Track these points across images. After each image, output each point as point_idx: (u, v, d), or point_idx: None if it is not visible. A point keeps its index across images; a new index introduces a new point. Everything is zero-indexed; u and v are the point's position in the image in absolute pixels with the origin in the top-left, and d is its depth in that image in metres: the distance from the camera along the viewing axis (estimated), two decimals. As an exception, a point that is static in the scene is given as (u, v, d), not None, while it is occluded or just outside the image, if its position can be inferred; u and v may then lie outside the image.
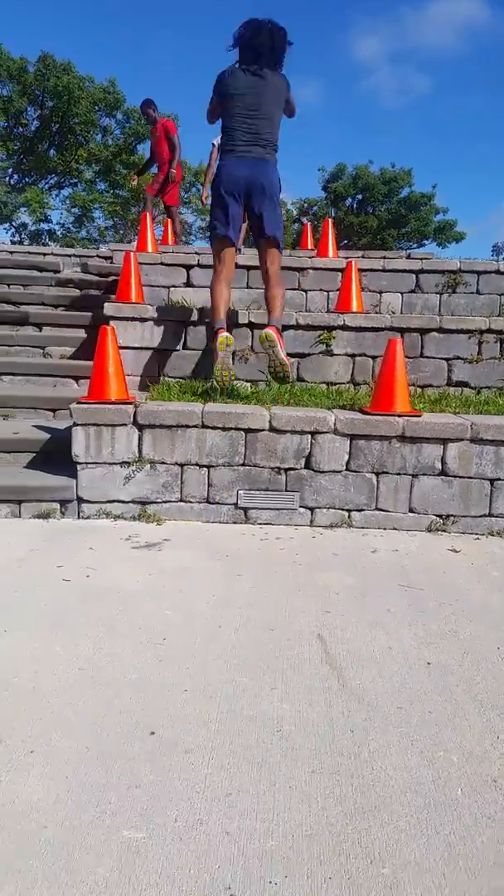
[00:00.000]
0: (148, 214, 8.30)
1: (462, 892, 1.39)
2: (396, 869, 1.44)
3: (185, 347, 5.16)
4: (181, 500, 3.87)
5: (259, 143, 4.61)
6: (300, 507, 3.89)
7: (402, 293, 6.81)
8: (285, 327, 5.07)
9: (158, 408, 3.87)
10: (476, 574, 3.26)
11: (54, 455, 4.10)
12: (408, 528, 3.87)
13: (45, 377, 5.45)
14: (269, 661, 2.31)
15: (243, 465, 3.87)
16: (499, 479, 3.87)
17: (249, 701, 2.06)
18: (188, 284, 6.70)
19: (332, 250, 7.82)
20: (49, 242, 28.09)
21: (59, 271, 7.76)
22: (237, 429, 3.85)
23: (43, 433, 4.27)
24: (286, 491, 3.89)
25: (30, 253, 8.92)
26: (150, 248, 7.56)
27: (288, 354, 5.03)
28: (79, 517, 3.81)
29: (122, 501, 3.84)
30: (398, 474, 3.88)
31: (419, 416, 3.95)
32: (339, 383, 5.15)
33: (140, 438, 3.84)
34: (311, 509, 3.89)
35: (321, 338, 5.14)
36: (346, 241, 29.37)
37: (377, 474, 3.89)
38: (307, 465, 3.88)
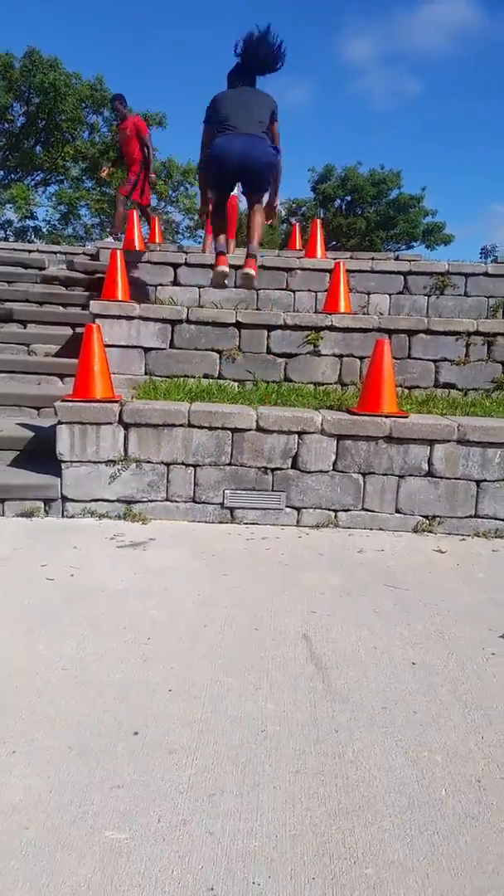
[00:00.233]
0: (134, 213, 8.27)
1: (445, 891, 1.39)
2: (380, 869, 1.43)
3: (171, 346, 5.14)
4: (167, 500, 3.86)
5: (252, 127, 4.84)
6: (286, 506, 3.88)
7: (390, 294, 6.83)
8: (272, 327, 5.10)
9: (144, 406, 3.85)
10: (461, 575, 3.26)
11: (38, 453, 4.07)
12: (394, 529, 3.88)
13: (29, 375, 5.42)
14: (254, 660, 2.30)
15: (230, 464, 3.86)
16: (485, 481, 3.88)
17: (234, 701, 2.05)
18: (175, 283, 6.68)
19: (321, 251, 7.83)
20: (35, 239, 27.93)
21: (44, 268, 7.71)
22: (224, 428, 3.84)
23: (27, 431, 4.25)
24: (273, 491, 3.88)
25: (15, 250, 8.86)
26: (136, 246, 7.54)
27: (275, 354, 5.06)
28: (63, 516, 3.79)
29: (108, 500, 3.82)
30: (385, 475, 3.88)
31: (406, 417, 3.96)
32: (327, 384, 5.15)
33: (126, 437, 3.82)
34: (298, 509, 3.89)
35: (309, 338, 5.14)
36: (334, 243, 29.38)
37: (364, 475, 3.89)
38: (294, 465, 3.88)
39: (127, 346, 5.11)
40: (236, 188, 5.64)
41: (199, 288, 6.70)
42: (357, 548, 3.56)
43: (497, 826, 1.58)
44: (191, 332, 5.12)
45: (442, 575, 3.25)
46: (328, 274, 6.44)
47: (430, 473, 3.89)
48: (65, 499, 3.80)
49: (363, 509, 3.89)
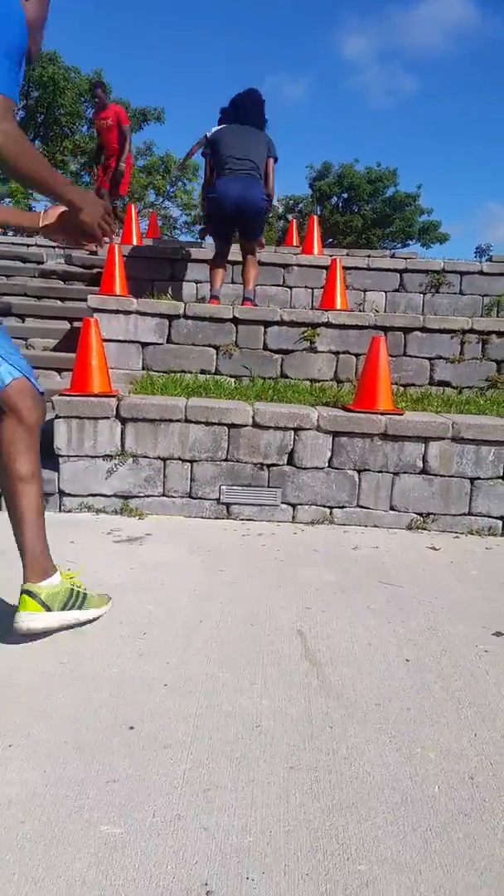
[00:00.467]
0: (132, 207, 8.27)
1: (437, 887, 1.40)
2: (373, 865, 1.44)
3: (168, 341, 5.14)
4: (163, 495, 3.86)
5: (248, 168, 5.54)
6: (282, 503, 3.89)
7: (386, 292, 6.85)
8: (269, 323, 5.11)
9: (142, 401, 3.86)
10: (455, 572, 3.28)
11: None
12: (388, 526, 3.89)
13: (27, 369, 5.41)
14: (249, 656, 2.31)
15: (226, 460, 3.87)
16: (479, 479, 3.90)
17: (229, 696, 2.06)
18: (173, 278, 6.69)
19: (318, 247, 7.83)
20: (33, 234, 27.88)
21: (42, 262, 7.71)
22: (220, 424, 3.85)
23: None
24: (268, 487, 3.89)
25: (13, 244, 8.84)
26: (134, 241, 7.54)
27: (272, 350, 5.07)
28: (60, 510, 3.79)
29: (105, 495, 3.83)
30: (380, 472, 3.90)
31: (401, 414, 3.97)
32: (323, 380, 5.16)
33: (123, 432, 3.83)
34: (294, 505, 3.90)
35: (305, 335, 5.15)
36: (330, 240, 29.37)
37: (359, 472, 3.90)
38: (290, 462, 3.89)
39: (124, 341, 5.12)
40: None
41: (196, 283, 6.70)
42: (352, 544, 3.57)
43: (489, 823, 1.59)
44: (188, 327, 5.12)
45: (436, 572, 3.27)
46: (325, 271, 6.46)
47: (424, 471, 3.90)
48: (62, 493, 3.81)
49: (358, 506, 3.91)
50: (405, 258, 7.58)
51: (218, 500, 3.86)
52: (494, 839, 1.54)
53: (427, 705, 2.09)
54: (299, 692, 2.11)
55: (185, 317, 5.13)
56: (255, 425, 3.85)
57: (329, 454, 3.89)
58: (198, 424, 3.84)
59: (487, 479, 3.90)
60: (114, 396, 3.88)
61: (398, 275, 6.94)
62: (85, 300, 5.50)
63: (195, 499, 3.87)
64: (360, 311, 6.44)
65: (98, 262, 7.24)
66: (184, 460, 3.86)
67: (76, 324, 5.89)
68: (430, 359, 5.27)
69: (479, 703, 2.12)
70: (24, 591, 2.25)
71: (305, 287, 6.80)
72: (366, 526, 3.88)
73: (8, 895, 1.30)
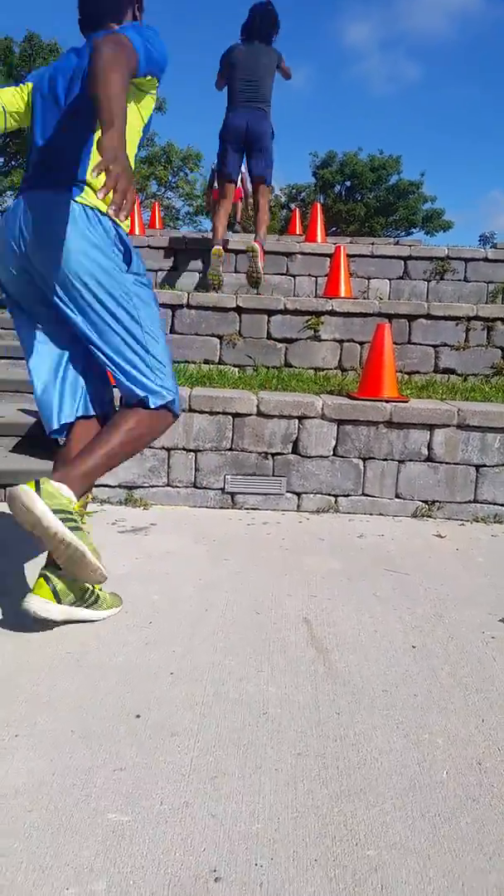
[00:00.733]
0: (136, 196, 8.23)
1: (446, 872, 1.39)
2: (381, 850, 1.44)
3: (172, 331, 5.13)
4: (168, 485, 3.86)
5: (255, 99, 6.12)
6: (287, 492, 3.89)
7: (390, 279, 6.82)
8: (272, 312, 5.08)
9: (145, 392, 3.84)
10: (461, 559, 3.27)
11: (40, 439, 4.06)
12: (394, 514, 3.88)
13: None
14: (255, 644, 2.31)
15: (230, 449, 3.87)
16: (484, 466, 3.88)
17: (235, 684, 2.05)
18: (175, 268, 6.66)
19: (321, 235, 7.81)
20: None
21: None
22: (225, 413, 3.83)
23: (28, 417, 4.24)
24: (273, 476, 3.88)
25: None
26: (136, 231, 7.51)
27: (276, 339, 5.06)
28: (64, 501, 3.79)
29: (109, 486, 3.82)
30: (385, 460, 3.88)
31: (406, 401, 3.95)
32: (327, 369, 5.15)
33: (126, 422, 3.82)
34: (298, 494, 3.89)
35: (309, 323, 5.13)
36: (334, 229, 29.27)
37: (364, 460, 3.89)
38: (294, 450, 3.88)
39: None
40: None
41: (198, 273, 6.68)
42: (357, 532, 3.56)
43: (498, 808, 1.59)
44: (191, 317, 5.11)
45: (441, 559, 3.26)
46: (328, 258, 6.44)
47: (429, 458, 3.89)
48: (65, 484, 3.80)
49: (363, 494, 3.90)
50: (409, 245, 7.55)
51: (222, 489, 3.85)
52: (503, 824, 1.54)
53: (434, 691, 2.09)
54: (306, 679, 2.11)
55: (189, 307, 5.12)
56: (260, 414, 3.84)
57: (334, 442, 3.88)
58: (202, 414, 3.82)
59: (493, 466, 3.89)
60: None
61: (402, 262, 6.91)
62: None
63: (200, 488, 3.87)
64: (364, 298, 6.42)
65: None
66: (188, 450, 3.85)
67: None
68: (434, 346, 5.25)
69: (487, 689, 2.12)
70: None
71: (309, 275, 6.77)
72: (371, 514, 3.87)
73: (16, 883, 1.30)
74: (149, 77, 2.27)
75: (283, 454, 3.87)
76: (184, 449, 3.85)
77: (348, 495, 3.89)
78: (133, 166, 2.18)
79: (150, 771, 1.64)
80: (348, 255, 6.29)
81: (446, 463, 3.88)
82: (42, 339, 2.43)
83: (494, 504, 3.90)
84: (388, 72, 72.16)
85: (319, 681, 2.10)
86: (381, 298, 6.53)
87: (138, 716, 1.86)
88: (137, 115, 2.35)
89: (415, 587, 2.89)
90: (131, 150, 2.30)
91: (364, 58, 72.49)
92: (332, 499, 3.89)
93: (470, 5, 72.68)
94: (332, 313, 5.15)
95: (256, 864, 1.38)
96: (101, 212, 2.25)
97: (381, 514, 3.87)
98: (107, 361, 2.35)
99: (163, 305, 5.09)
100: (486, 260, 6.92)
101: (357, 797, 1.60)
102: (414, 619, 2.58)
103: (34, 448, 4.03)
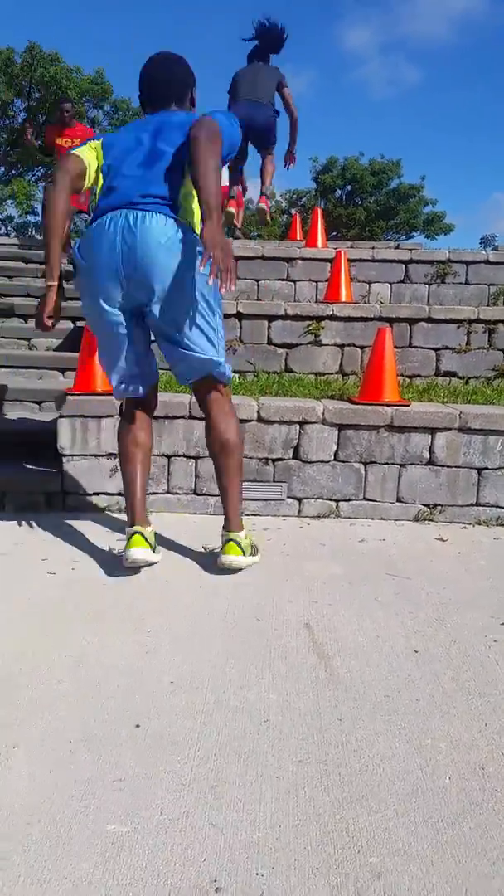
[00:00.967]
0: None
1: (449, 878, 1.38)
2: (384, 857, 1.43)
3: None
4: (168, 492, 3.85)
5: (256, 97, 6.77)
6: (288, 497, 3.87)
7: (391, 283, 6.80)
8: (273, 317, 5.09)
9: (145, 399, 3.84)
10: (463, 563, 3.25)
11: (39, 447, 4.06)
12: (395, 518, 3.86)
13: (30, 369, 5.41)
14: (256, 650, 2.30)
15: (231, 455, 3.85)
16: (486, 469, 3.87)
17: (236, 691, 2.04)
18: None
19: (322, 240, 7.80)
20: (36, 235, 27.92)
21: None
22: (225, 419, 3.82)
23: (28, 425, 4.24)
24: (274, 482, 3.87)
25: (17, 245, 8.85)
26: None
27: (276, 344, 5.06)
28: (64, 509, 3.78)
29: (109, 494, 3.81)
30: (386, 464, 3.87)
31: (408, 405, 3.94)
32: (328, 373, 5.14)
33: (126, 430, 3.81)
34: (299, 500, 3.88)
35: (310, 328, 5.13)
36: (334, 233, 29.28)
37: (365, 464, 3.87)
38: (295, 456, 3.87)
39: (127, 339, 5.09)
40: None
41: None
42: (359, 537, 3.55)
43: (501, 813, 1.58)
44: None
45: (443, 563, 3.25)
46: (329, 263, 6.43)
47: (431, 462, 3.87)
48: (66, 492, 3.80)
49: (364, 499, 3.88)
50: (410, 248, 7.54)
51: (224, 495, 3.84)
52: (506, 830, 1.52)
53: (437, 696, 2.08)
54: (307, 685, 2.09)
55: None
56: (260, 420, 3.82)
57: (335, 447, 3.86)
58: (202, 421, 3.80)
59: (495, 468, 3.87)
60: (117, 394, 3.86)
61: (403, 266, 6.89)
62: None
63: (200, 495, 3.85)
64: (364, 302, 6.41)
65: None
66: (188, 457, 3.84)
67: (79, 323, 5.87)
68: (436, 349, 5.24)
69: (490, 693, 2.10)
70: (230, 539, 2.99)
71: (310, 280, 6.76)
72: (372, 518, 3.86)
73: None
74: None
75: (284, 459, 3.86)
76: (184, 456, 3.84)
77: (349, 500, 3.88)
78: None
79: (149, 781, 1.63)
80: (349, 260, 6.29)
81: (448, 466, 3.87)
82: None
83: (497, 507, 3.88)
84: (388, 75, 72.33)
85: (321, 687, 2.09)
86: (381, 302, 6.52)
87: (138, 725, 1.85)
88: None
89: (417, 591, 2.87)
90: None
91: (364, 62, 72.64)
92: (334, 504, 3.88)
93: (470, 8, 72.82)
94: (333, 318, 5.15)
95: (257, 874, 1.37)
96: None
97: (382, 519, 3.86)
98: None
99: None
100: (487, 262, 6.91)
101: (359, 804, 1.58)
102: (416, 623, 2.57)
103: (33, 456, 4.03)
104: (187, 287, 2.71)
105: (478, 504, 3.88)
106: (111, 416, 3.79)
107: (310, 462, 3.85)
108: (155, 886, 1.33)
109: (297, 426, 3.84)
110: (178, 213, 2.69)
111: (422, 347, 5.23)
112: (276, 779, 1.65)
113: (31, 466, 3.90)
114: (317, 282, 6.68)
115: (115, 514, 3.73)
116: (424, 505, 3.87)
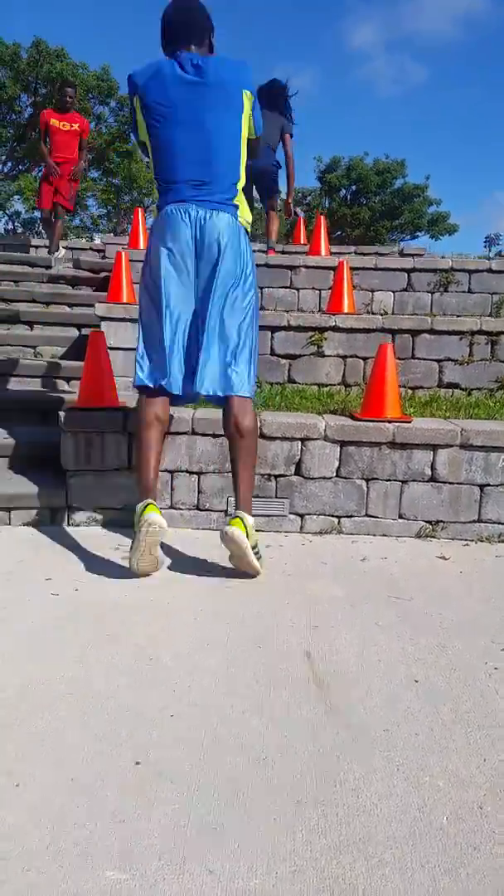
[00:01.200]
0: (140, 210, 8.23)
1: (445, 930, 1.39)
2: (380, 906, 1.44)
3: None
4: (171, 508, 3.86)
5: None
6: (290, 513, 3.88)
7: (394, 292, 6.80)
8: (275, 328, 5.09)
9: (148, 414, 3.84)
10: (465, 582, 3.26)
11: (45, 460, 4.07)
12: (397, 534, 3.87)
13: (35, 378, 5.42)
14: (256, 680, 2.30)
15: (233, 471, 3.85)
16: (488, 485, 3.87)
17: (235, 727, 2.04)
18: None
19: (325, 247, 7.80)
20: (42, 231, 27.92)
21: (51, 267, 7.71)
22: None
23: (33, 437, 4.25)
24: (276, 497, 3.88)
25: (23, 246, 8.84)
26: (142, 245, 7.52)
27: (279, 355, 5.06)
28: (69, 524, 3.80)
29: (114, 509, 3.83)
30: (388, 480, 3.87)
31: (409, 421, 3.94)
32: (331, 385, 5.15)
33: (130, 446, 3.82)
34: (302, 516, 3.89)
35: (312, 339, 5.13)
36: (339, 233, 29.26)
37: (367, 480, 3.88)
38: (297, 472, 3.87)
39: (132, 350, 5.09)
40: None
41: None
42: (361, 555, 3.56)
43: (499, 855, 1.58)
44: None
45: (445, 582, 3.25)
46: (332, 272, 6.42)
47: (433, 478, 3.88)
48: (70, 508, 3.81)
49: (367, 515, 3.89)
50: (413, 255, 7.55)
51: (226, 511, 3.85)
52: None
53: (436, 729, 2.08)
54: (306, 720, 2.10)
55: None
56: (262, 436, 3.83)
57: (337, 463, 3.87)
58: (205, 437, 3.82)
59: (497, 485, 3.87)
60: (121, 410, 3.87)
61: (406, 274, 6.88)
62: (93, 305, 5.50)
63: (203, 511, 3.87)
64: (368, 311, 6.41)
65: (106, 265, 7.24)
66: (191, 472, 3.85)
67: (84, 330, 5.88)
68: (438, 361, 5.24)
69: (489, 726, 2.11)
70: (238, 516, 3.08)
71: (313, 288, 6.76)
72: (374, 535, 3.87)
73: (13, 946, 1.30)
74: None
75: (286, 476, 3.87)
76: (187, 471, 3.85)
77: (351, 516, 3.89)
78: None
79: (149, 823, 1.63)
80: (352, 268, 6.28)
81: (450, 483, 3.87)
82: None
83: (498, 523, 3.89)
84: (393, 74, 72.32)
85: (319, 720, 2.10)
86: (384, 311, 6.52)
87: (138, 763, 1.85)
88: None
89: (418, 614, 2.88)
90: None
91: (369, 60, 72.56)
92: (336, 520, 3.88)
93: (475, 6, 72.49)
94: (336, 329, 5.15)
95: (254, 923, 1.38)
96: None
97: (384, 535, 3.87)
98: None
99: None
100: (490, 271, 6.89)
101: (356, 847, 1.59)
102: (417, 650, 2.58)
103: (38, 470, 4.04)
104: None
105: (480, 521, 3.89)
106: (115, 431, 3.80)
107: (312, 478, 3.86)
108: (152, 936, 1.34)
109: (299, 442, 3.85)
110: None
111: (424, 359, 5.23)
112: (274, 821, 1.66)
113: (36, 480, 3.91)
114: (320, 290, 6.68)
115: (119, 530, 3.74)
116: (426, 521, 3.88)
